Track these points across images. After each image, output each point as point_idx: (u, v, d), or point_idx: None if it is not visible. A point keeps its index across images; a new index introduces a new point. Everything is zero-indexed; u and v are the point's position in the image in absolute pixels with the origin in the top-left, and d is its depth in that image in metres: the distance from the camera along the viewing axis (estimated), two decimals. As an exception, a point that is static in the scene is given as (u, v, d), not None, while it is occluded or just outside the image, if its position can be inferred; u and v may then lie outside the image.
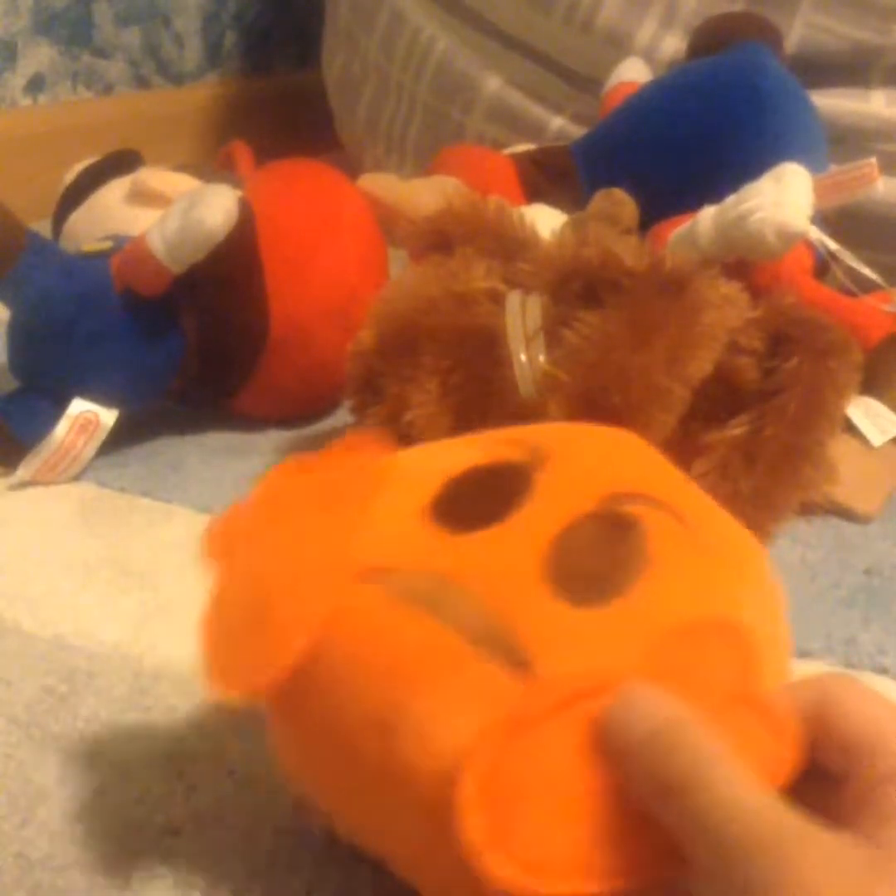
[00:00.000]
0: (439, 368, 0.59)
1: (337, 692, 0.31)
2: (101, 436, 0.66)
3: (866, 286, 0.71)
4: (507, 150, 0.97)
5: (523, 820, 0.27)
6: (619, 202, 0.75)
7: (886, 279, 0.71)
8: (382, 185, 0.85)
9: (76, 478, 0.66)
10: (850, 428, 0.63)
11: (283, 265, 0.71)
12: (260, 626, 0.32)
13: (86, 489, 0.66)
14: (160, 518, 0.63)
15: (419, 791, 0.29)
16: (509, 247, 0.65)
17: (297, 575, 0.33)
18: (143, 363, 0.69)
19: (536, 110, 1.10)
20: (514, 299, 0.60)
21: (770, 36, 0.91)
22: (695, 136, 0.85)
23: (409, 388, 0.58)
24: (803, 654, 0.51)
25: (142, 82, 1.40)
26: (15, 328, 0.68)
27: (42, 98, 1.28)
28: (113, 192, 0.84)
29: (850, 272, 0.71)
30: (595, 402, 0.54)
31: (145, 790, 0.41)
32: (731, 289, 0.58)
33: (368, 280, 0.73)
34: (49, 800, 0.41)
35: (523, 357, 0.58)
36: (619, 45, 1.02)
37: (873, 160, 0.69)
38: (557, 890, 0.26)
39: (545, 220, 0.71)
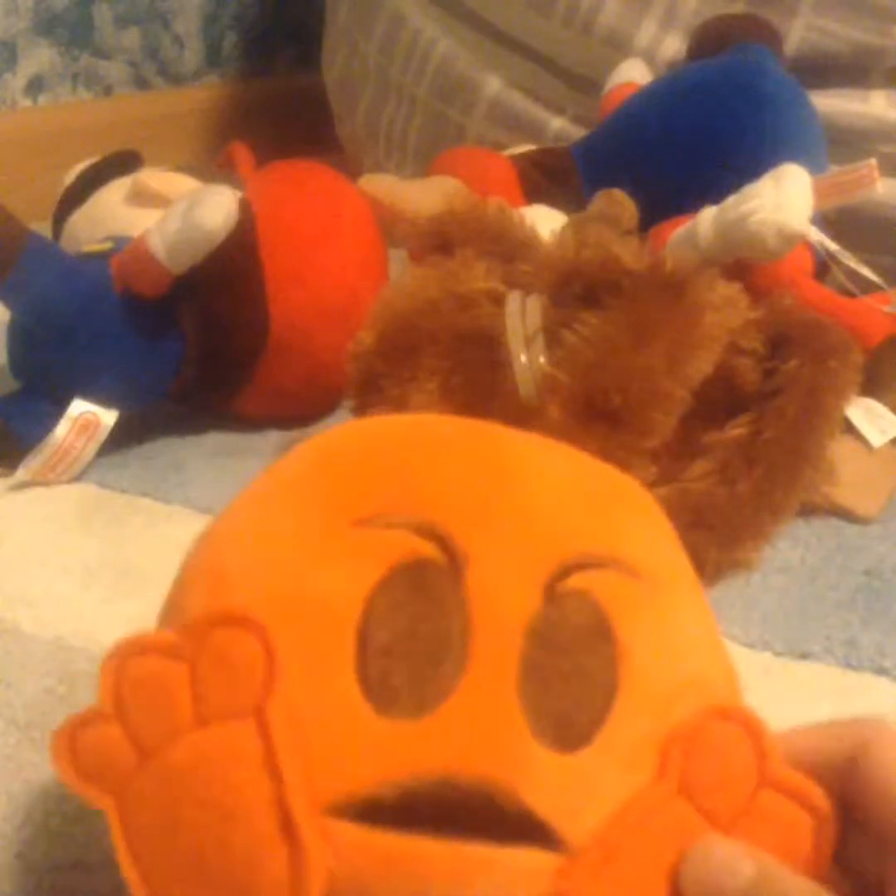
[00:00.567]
0: (439, 369, 0.59)
1: None
2: (102, 436, 0.66)
3: (866, 287, 0.71)
4: (507, 152, 0.97)
5: None
6: (619, 203, 0.75)
7: (886, 280, 0.71)
8: (382, 186, 0.85)
9: (76, 478, 0.66)
10: (850, 429, 0.63)
11: (284, 266, 0.71)
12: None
13: (86, 490, 0.66)
14: (160, 519, 0.63)
15: None
16: (509, 248, 0.65)
17: (255, 827, 0.26)
18: (143, 364, 0.69)
19: (536, 111, 1.10)
20: (514, 300, 0.60)
21: (770, 37, 0.91)
22: (695, 137, 0.85)
23: (409, 388, 0.59)
24: (803, 655, 0.51)
25: (142, 83, 1.40)
26: (15, 329, 0.68)
27: (42, 99, 1.28)
28: (113, 193, 0.84)
29: (850, 273, 0.71)
30: (595, 403, 0.55)
31: (145, 791, 0.41)
32: (730, 290, 0.58)
33: (368, 281, 0.73)
34: (49, 800, 0.41)
35: (523, 358, 0.58)
36: (619, 47, 1.02)
37: (873, 161, 0.69)
38: None
39: (545, 221, 0.71)
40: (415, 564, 0.29)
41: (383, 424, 0.36)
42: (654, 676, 0.29)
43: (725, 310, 0.57)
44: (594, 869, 0.26)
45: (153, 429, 0.72)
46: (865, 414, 0.64)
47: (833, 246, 0.70)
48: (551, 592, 0.29)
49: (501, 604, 0.28)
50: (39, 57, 1.26)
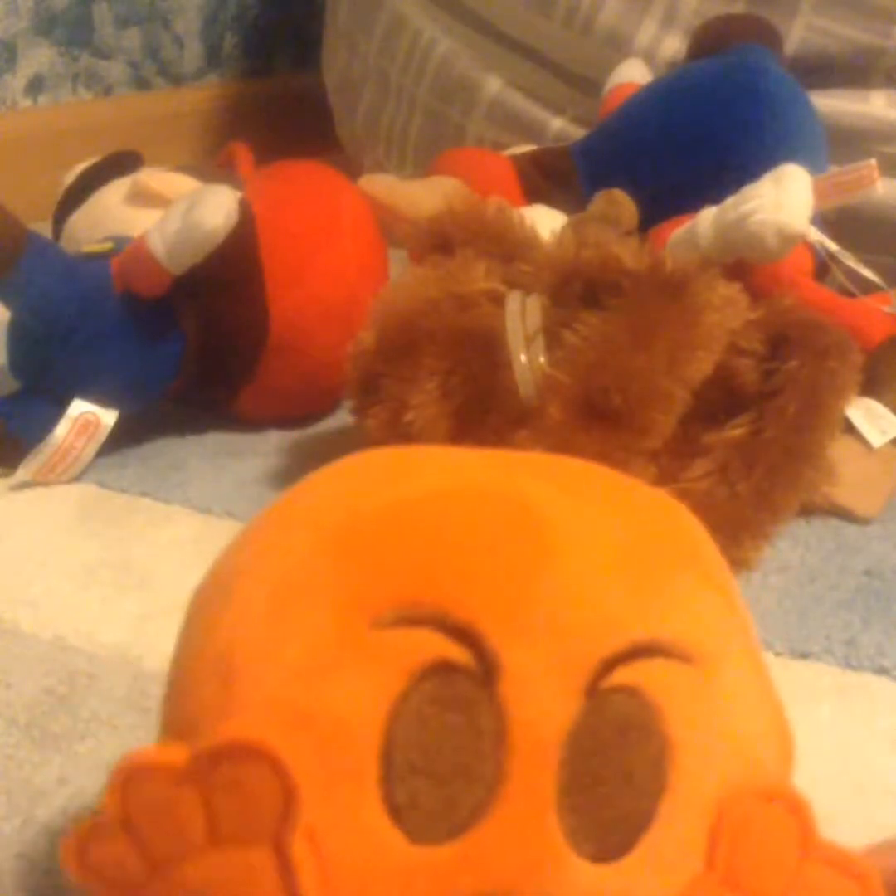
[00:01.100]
0: (439, 369, 0.59)
1: None
2: (102, 437, 0.66)
3: (866, 287, 0.71)
4: (508, 152, 0.97)
5: None
6: (619, 203, 0.75)
7: (886, 280, 0.71)
8: (382, 186, 0.85)
9: (76, 478, 0.66)
10: (850, 429, 0.63)
11: (283, 266, 0.71)
12: None
13: (86, 490, 0.66)
14: (160, 519, 0.63)
15: None
16: (509, 248, 0.65)
17: None
18: (143, 364, 0.69)
19: (536, 112, 1.10)
20: (513, 300, 0.60)
21: (770, 37, 0.91)
22: (695, 137, 0.85)
23: (408, 388, 0.58)
24: (803, 655, 0.51)
25: (142, 83, 1.40)
26: (15, 329, 0.68)
27: (42, 99, 1.28)
28: (113, 194, 0.84)
29: (850, 273, 0.71)
30: (595, 403, 0.54)
31: (145, 791, 0.41)
32: (730, 290, 0.58)
33: (368, 281, 0.73)
34: (49, 800, 0.41)
35: (523, 358, 0.58)
36: (619, 47, 1.02)
37: (873, 162, 0.69)
38: None
39: (545, 222, 0.71)
40: (441, 670, 0.26)
41: (405, 491, 0.31)
42: (704, 771, 0.27)
43: (725, 310, 0.57)
44: None
45: (153, 429, 0.72)
46: (865, 414, 0.64)
47: (833, 246, 0.70)
48: (593, 693, 0.27)
49: (538, 712, 0.26)
50: (39, 57, 1.26)
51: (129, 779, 0.27)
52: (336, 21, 1.30)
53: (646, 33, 1.01)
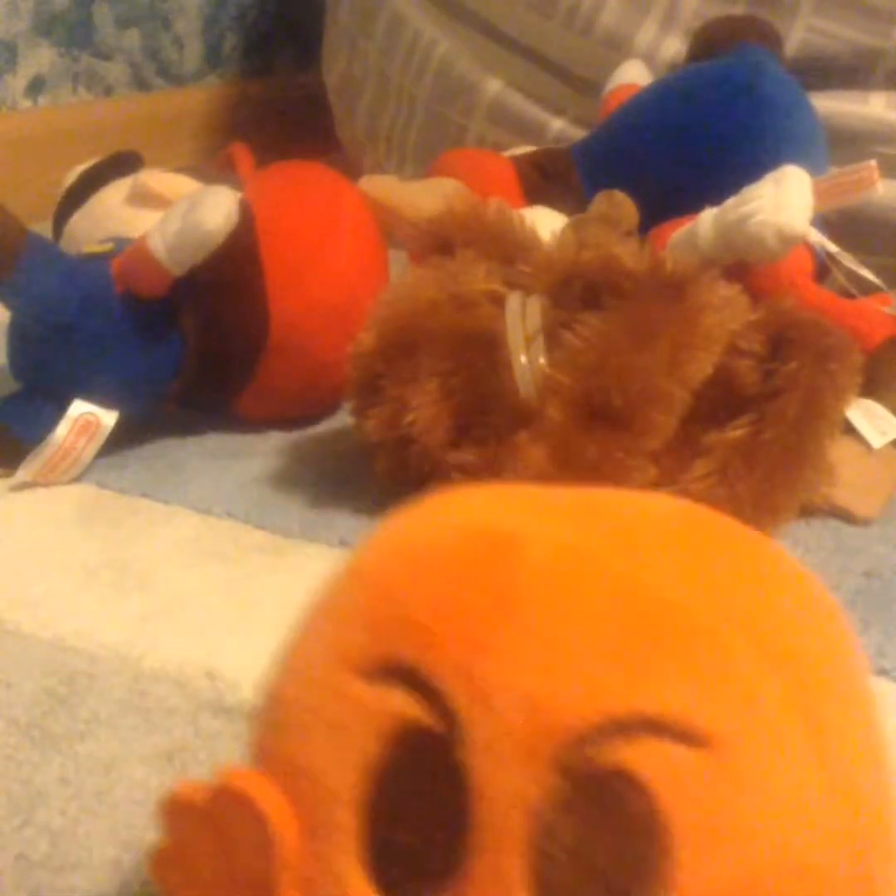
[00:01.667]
0: (439, 370, 0.59)
1: None
2: (102, 437, 0.66)
3: (866, 288, 0.71)
4: (508, 153, 0.97)
5: None
6: (620, 204, 0.76)
7: (886, 282, 0.71)
8: (383, 187, 0.85)
9: (76, 479, 0.66)
10: (850, 430, 0.63)
11: (283, 267, 0.71)
12: None
13: (86, 491, 0.66)
14: (160, 519, 0.63)
15: None
16: (509, 249, 0.65)
17: None
18: (143, 365, 0.69)
19: (537, 113, 1.10)
20: (514, 301, 0.60)
21: (770, 38, 0.91)
22: (695, 138, 0.85)
23: (409, 389, 0.59)
24: (803, 656, 0.51)
25: (142, 84, 1.40)
26: (15, 330, 0.68)
27: (42, 100, 1.28)
28: (113, 194, 0.84)
29: (850, 275, 0.71)
30: (595, 404, 0.55)
31: (145, 792, 0.41)
32: (730, 291, 0.58)
33: (368, 282, 0.73)
34: (49, 800, 0.41)
35: (523, 359, 0.58)
36: (619, 48, 1.02)
37: (873, 163, 0.69)
38: None
39: (545, 222, 0.71)
40: (413, 733, 0.25)
41: (405, 540, 0.30)
42: (715, 872, 0.24)
43: (725, 311, 0.57)
44: None
45: (153, 430, 0.72)
46: (865, 415, 0.64)
47: (833, 247, 0.70)
48: (568, 772, 0.24)
49: (502, 788, 0.24)
50: (40, 58, 1.26)
51: (168, 812, 0.28)
52: (336, 21, 1.30)
53: (646, 34, 1.01)
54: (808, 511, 0.61)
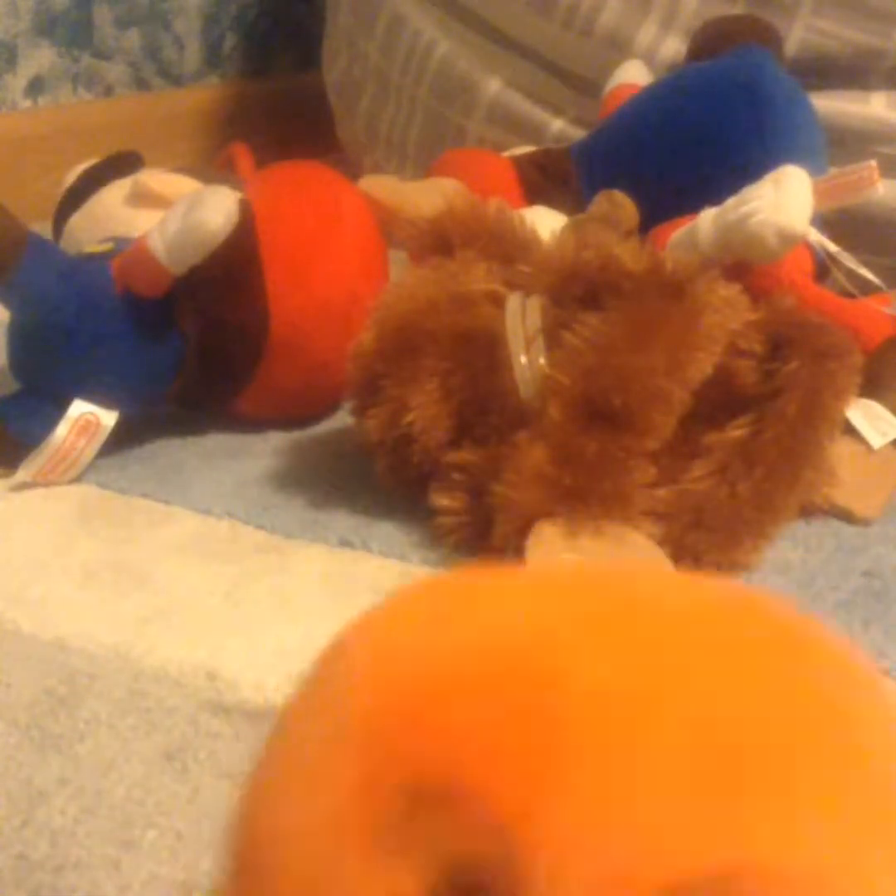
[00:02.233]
0: (439, 370, 0.59)
1: None
2: (102, 437, 0.66)
3: (866, 288, 0.71)
4: (508, 153, 0.97)
5: None
6: (620, 204, 0.76)
7: (886, 282, 0.71)
8: (383, 187, 0.85)
9: (77, 479, 0.66)
10: (850, 430, 0.63)
11: (284, 267, 0.71)
12: None
13: (86, 491, 0.66)
14: (160, 519, 0.63)
15: None
16: (509, 249, 0.65)
17: None
18: (143, 365, 0.69)
19: (537, 113, 1.10)
20: (514, 301, 0.60)
21: (770, 38, 0.91)
22: (695, 138, 0.85)
23: (409, 389, 0.59)
24: (803, 656, 0.51)
25: (142, 84, 1.40)
26: (15, 330, 0.68)
27: (42, 100, 1.28)
28: (113, 194, 0.84)
29: (850, 275, 0.71)
30: (595, 404, 0.55)
31: (145, 791, 0.41)
32: (730, 291, 0.58)
33: (368, 282, 0.73)
34: (49, 800, 0.41)
35: (523, 359, 0.58)
36: (619, 48, 1.02)
37: (873, 163, 0.69)
38: None
39: (545, 223, 0.71)
40: (464, 871, 0.22)
41: (437, 653, 0.25)
42: None
43: (725, 311, 0.57)
44: None
45: (153, 430, 0.72)
46: (865, 415, 0.64)
47: (833, 247, 0.70)
48: None
49: None
50: (40, 58, 1.26)
51: None
52: (336, 21, 1.30)
53: (646, 34, 1.01)
54: (808, 511, 0.61)
